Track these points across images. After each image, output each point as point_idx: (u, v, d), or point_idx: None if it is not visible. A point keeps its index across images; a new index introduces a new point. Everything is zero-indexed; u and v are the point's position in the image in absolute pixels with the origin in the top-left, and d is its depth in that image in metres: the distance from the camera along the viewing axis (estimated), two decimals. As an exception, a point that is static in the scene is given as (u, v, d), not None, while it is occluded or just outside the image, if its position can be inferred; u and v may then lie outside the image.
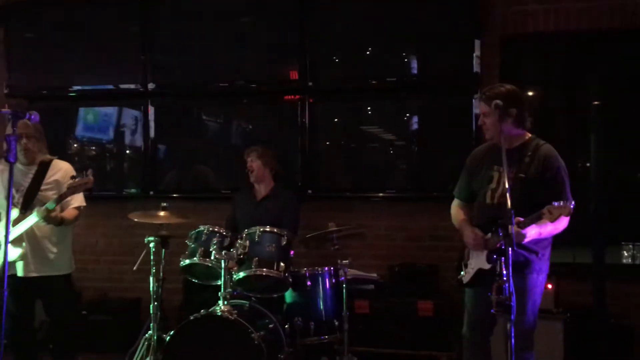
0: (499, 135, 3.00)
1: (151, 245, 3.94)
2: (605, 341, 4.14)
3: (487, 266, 3.05)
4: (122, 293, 5.32)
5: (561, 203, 2.77)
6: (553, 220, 2.82)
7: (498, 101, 2.99)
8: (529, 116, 3.17)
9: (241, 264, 3.81)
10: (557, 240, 3.20)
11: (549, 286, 4.08)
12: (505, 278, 2.67)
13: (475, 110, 4.59)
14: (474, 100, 4.69)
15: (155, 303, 3.92)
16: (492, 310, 2.76)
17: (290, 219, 4.30)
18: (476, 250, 3.17)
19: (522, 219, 2.84)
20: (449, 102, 4.89)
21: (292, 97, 5.16)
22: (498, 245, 2.92)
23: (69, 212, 3.62)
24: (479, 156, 3.35)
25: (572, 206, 2.76)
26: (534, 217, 2.85)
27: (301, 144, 5.08)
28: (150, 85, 5.32)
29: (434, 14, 4.82)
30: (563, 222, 3.00)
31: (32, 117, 2.74)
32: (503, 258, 2.71)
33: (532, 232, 2.92)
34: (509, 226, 2.65)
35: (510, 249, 2.65)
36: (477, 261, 3.16)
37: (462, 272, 3.28)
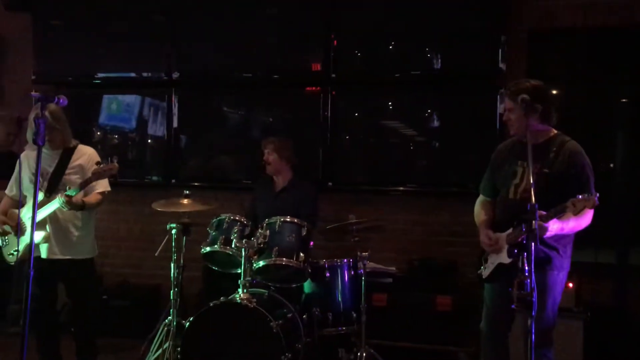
0: (524, 130, 2.98)
1: (173, 232, 3.98)
2: (625, 341, 4.09)
3: (507, 260, 3.04)
4: (142, 279, 5.39)
5: (585, 195, 2.74)
6: (577, 213, 2.80)
7: (525, 96, 2.96)
8: (554, 112, 3.14)
9: (261, 253, 3.83)
10: (580, 240, 3.18)
11: (570, 285, 4.03)
12: (527, 274, 2.66)
13: (500, 106, 4.55)
14: (498, 95, 4.64)
15: (176, 289, 3.96)
16: (512, 306, 2.74)
17: (309, 210, 4.31)
18: (491, 252, 3.17)
19: (544, 212, 2.81)
20: (473, 98, 4.85)
21: (314, 88, 5.17)
22: (519, 239, 2.90)
23: (92, 197, 3.67)
24: (503, 151, 3.34)
25: (596, 198, 2.73)
26: (557, 209, 2.82)
27: (322, 136, 5.08)
28: (175, 75, 5.36)
29: (460, 7, 4.77)
30: (586, 218, 2.98)
31: (61, 101, 2.78)
32: (525, 253, 2.69)
33: (554, 227, 2.89)
34: (532, 221, 2.63)
35: (532, 243, 2.63)
36: (497, 256, 3.14)
37: (482, 267, 3.27)
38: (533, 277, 2.64)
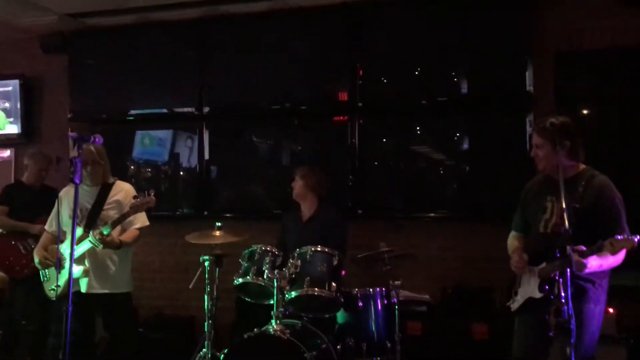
0: (553, 166, 3.02)
1: (206, 264, 4.02)
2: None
3: (537, 295, 3.00)
4: (177, 311, 5.44)
5: (625, 236, 2.70)
6: (614, 253, 2.76)
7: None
8: (582, 148, 3.12)
9: (293, 283, 3.83)
10: (621, 264, 3.09)
11: (611, 310, 3.93)
12: (563, 300, 2.61)
13: (529, 129, 4.52)
14: (527, 119, 4.61)
15: (210, 321, 3.98)
16: (549, 334, 2.68)
17: (338, 237, 4.29)
18: (519, 273, 3.14)
19: (584, 248, 2.77)
20: (502, 121, 4.83)
21: (342, 118, 5.21)
22: (552, 274, 2.87)
23: (130, 234, 3.74)
24: (532, 188, 3.34)
25: (636, 240, 2.68)
26: (594, 248, 2.78)
27: (351, 164, 5.11)
28: (205, 109, 5.47)
29: (486, 32, 4.79)
30: (621, 255, 2.92)
31: (97, 140, 2.87)
32: (561, 280, 2.64)
33: (593, 263, 2.84)
34: (567, 247, 2.60)
35: (568, 269, 2.58)
36: (527, 289, 3.11)
37: (511, 300, 3.24)
38: (570, 303, 2.60)
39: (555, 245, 2.76)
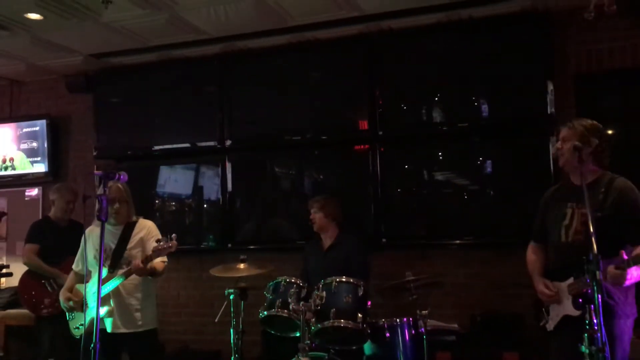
0: (572, 166, 3.01)
1: (231, 297, 4.01)
2: None
3: (575, 313, 2.91)
4: (203, 345, 5.42)
5: None
6: None
7: (577, 144, 2.94)
8: (608, 155, 3.09)
9: (318, 315, 3.79)
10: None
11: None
12: (596, 327, 2.53)
13: (552, 151, 4.47)
14: (550, 142, 4.56)
15: (236, 355, 3.96)
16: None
17: (359, 265, 4.28)
18: (550, 303, 3.07)
19: (625, 257, 2.70)
20: (524, 144, 4.79)
21: (363, 146, 5.22)
22: (584, 290, 2.79)
23: (159, 264, 3.76)
24: (551, 195, 3.31)
25: None
26: (635, 257, 2.70)
27: (373, 193, 5.10)
28: (227, 142, 5.53)
29: (504, 56, 4.79)
30: None
31: (122, 177, 2.90)
32: (592, 306, 2.57)
33: (634, 273, 2.76)
34: (597, 272, 2.54)
35: (600, 296, 2.52)
36: (561, 307, 3.02)
37: (544, 320, 3.14)
38: (603, 330, 2.52)
39: (585, 267, 2.69)
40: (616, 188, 2.99)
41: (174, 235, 3.56)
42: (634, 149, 4.68)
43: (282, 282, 3.98)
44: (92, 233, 3.83)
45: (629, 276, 2.74)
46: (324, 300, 3.79)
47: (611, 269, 2.68)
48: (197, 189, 5.79)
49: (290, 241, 5.39)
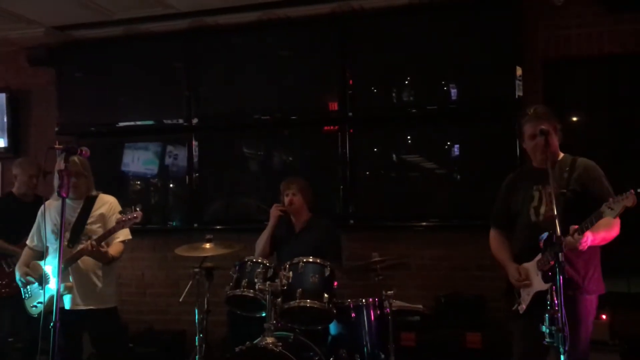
0: (556, 150, 3.12)
1: (196, 277, 3.97)
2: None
3: (544, 287, 2.91)
4: (168, 325, 5.37)
5: (620, 195, 2.68)
6: (615, 215, 2.73)
7: (544, 127, 2.99)
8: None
9: (285, 295, 3.78)
10: (612, 269, 3.10)
11: (603, 317, 3.91)
12: (557, 308, 2.58)
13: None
14: (517, 125, 4.60)
15: (201, 335, 3.93)
16: (544, 342, 2.66)
17: (333, 248, 4.27)
18: (524, 288, 3.10)
19: (575, 227, 2.78)
20: (492, 129, 4.84)
21: (332, 127, 5.20)
22: (552, 262, 2.83)
23: (115, 247, 3.67)
24: (515, 178, 3.37)
25: (633, 193, 2.64)
26: (593, 218, 2.76)
27: (342, 174, 5.09)
28: (194, 120, 5.44)
29: (474, 40, 4.81)
30: (615, 228, 2.95)
31: (84, 152, 2.83)
32: (554, 287, 2.62)
33: (590, 237, 2.84)
34: (560, 254, 2.59)
35: (561, 277, 2.57)
36: (531, 287, 3.06)
37: (516, 303, 3.17)
38: (563, 311, 2.57)
39: (548, 247, 2.75)
40: (580, 165, 3.09)
41: (138, 205, 3.48)
42: (599, 135, 4.77)
43: (249, 262, 3.95)
44: (49, 207, 3.70)
45: (584, 239, 2.79)
46: (290, 280, 3.77)
47: (569, 238, 2.75)
48: (163, 168, 5.70)
49: (257, 221, 5.34)
